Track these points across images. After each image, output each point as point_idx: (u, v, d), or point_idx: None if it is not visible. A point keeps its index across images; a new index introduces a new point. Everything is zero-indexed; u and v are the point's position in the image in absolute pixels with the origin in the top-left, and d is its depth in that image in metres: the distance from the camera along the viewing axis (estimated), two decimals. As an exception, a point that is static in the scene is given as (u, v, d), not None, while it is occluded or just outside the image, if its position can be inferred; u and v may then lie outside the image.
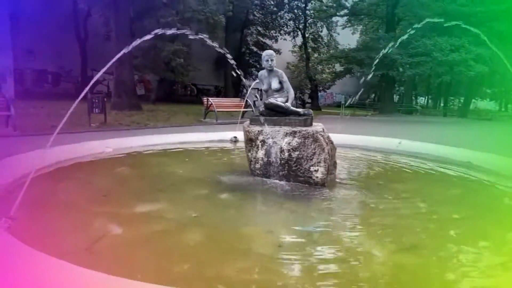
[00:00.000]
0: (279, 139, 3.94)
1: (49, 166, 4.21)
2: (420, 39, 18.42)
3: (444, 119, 22.62)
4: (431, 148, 5.82)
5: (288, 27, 34.96)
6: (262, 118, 4.03)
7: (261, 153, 4.04)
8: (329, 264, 2.30)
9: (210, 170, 4.65)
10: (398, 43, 4.50)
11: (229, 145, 6.76)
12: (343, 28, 33.91)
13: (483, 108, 42.76)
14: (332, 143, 4.15)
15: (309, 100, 37.25)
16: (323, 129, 3.97)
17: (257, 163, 4.09)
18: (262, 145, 4.03)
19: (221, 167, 4.80)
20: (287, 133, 3.92)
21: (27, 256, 1.93)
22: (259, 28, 36.23)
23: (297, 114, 4.12)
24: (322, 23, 34.57)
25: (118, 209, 3.18)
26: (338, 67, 31.40)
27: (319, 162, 3.80)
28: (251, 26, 35.33)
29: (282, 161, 3.94)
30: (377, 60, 5.09)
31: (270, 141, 3.98)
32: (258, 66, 36.75)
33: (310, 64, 33.92)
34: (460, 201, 3.72)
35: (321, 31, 35.64)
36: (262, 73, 4.54)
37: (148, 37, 3.26)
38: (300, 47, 36.12)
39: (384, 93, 26.18)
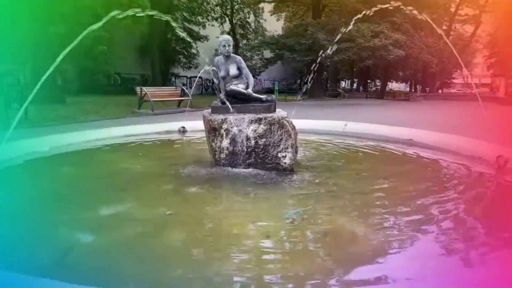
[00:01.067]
0: (244, 127, 3.84)
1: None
2: (345, 25, 19.41)
3: (368, 101, 24.30)
4: (375, 129, 6.19)
5: (215, 12, 34.37)
6: (230, 106, 3.88)
7: (226, 142, 3.91)
8: (321, 246, 2.32)
9: (168, 163, 4.39)
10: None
11: (178, 136, 6.47)
12: (271, 15, 34.34)
13: (396, 89, 47.01)
14: (294, 128, 4.16)
15: (239, 87, 37.20)
16: (287, 115, 3.96)
17: (222, 152, 3.95)
18: (227, 134, 3.89)
19: (179, 160, 4.56)
20: (252, 120, 3.83)
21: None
22: (185, 14, 35.05)
23: (260, 100, 4.05)
24: (249, 9, 34.61)
25: (79, 214, 2.84)
26: (267, 54, 31.86)
27: (287, 148, 3.80)
28: (176, 11, 34.00)
29: (249, 149, 3.86)
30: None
31: (235, 129, 3.86)
32: (185, 53, 35.66)
33: (239, 51, 33.88)
34: (415, 176, 4.01)
35: (249, 18, 35.73)
36: (219, 59, 4.37)
37: (100, 23, 2.91)
38: (228, 33, 35.81)
39: (314, 78, 27.23)
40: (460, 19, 37.64)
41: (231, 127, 3.87)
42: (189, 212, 2.96)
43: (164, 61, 32.58)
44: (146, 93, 12.34)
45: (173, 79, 36.68)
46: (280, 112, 3.99)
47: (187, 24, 35.84)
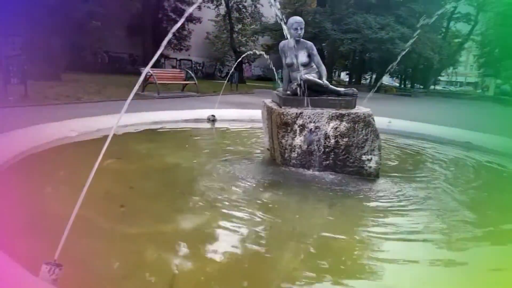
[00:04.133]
0: (323, 123, 3.34)
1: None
2: (352, 16, 18.89)
3: (369, 95, 23.67)
4: (422, 128, 5.79)
5: (211, -6, 32.99)
6: (306, 99, 3.35)
7: (299, 140, 3.39)
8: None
9: (219, 158, 3.85)
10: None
11: (209, 125, 5.90)
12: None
13: (387, 84, 47.07)
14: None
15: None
16: (372, 111, 3.47)
17: (294, 151, 3.43)
18: (301, 131, 3.37)
19: (231, 155, 4.02)
20: (332, 116, 3.33)
21: None
22: (179, -7, 33.53)
23: (337, 93, 3.55)
24: (245, -9, 33.36)
25: (154, 227, 2.31)
26: (263, 40, 31.04)
27: (373, 150, 3.32)
28: (169, -10, 32.48)
29: (327, 149, 3.36)
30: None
31: (311, 125, 3.35)
32: (177, 34, 34.28)
33: (234, 35, 32.82)
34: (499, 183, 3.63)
35: (245, 1, 34.48)
36: (285, 43, 3.83)
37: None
38: (224, 16, 34.57)
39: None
40: (454, 17, 37.68)
41: (307, 123, 3.35)
42: (282, 226, 2.47)
43: (153, 41, 31.22)
44: (151, 75, 11.55)
45: (162, 60, 35.29)
46: (362, 108, 3.50)
47: (179, 5, 34.34)
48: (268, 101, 3.96)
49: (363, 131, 3.31)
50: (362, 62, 32.05)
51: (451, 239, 2.34)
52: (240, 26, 34.53)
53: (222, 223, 2.41)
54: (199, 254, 2.03)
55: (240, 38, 33.86)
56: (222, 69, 38.79)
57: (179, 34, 34.04)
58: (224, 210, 2.61)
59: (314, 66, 3.74)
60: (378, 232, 2.39)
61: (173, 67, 35.45)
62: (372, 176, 3.34)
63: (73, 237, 2.02)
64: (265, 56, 5.20)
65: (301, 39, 3.73)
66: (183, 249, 2.06)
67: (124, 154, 3.88)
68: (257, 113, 6.56)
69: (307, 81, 3.46)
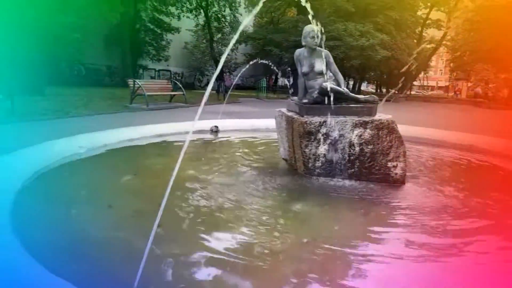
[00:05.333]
0: (347, 131, 3.32)
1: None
2: (334, 24, 19.24)
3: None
4: (424, 133, 5.88)
5: (191, 4, 32.94)
6: (332, 107, 3.33)
7: (323, 149, 3.36)
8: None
9: (238, 170, 3.78)
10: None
11: (214, 136, 5.80)
12: (249, 10, 33.36)
13: (364, 90, 48.09)
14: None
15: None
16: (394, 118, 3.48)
17: (318, 160, 3.39)
18: (325, 139, 3.34)
19: (247, 166, 3.95)
20: (356, 124, 3.32)
21: None
22: (155, 3, 33.28)
23: (357, 100, 3.55)
24: (224, 2, 33.51)
25: (202, 246, 2.20)
26: (244, 49, 31.19)
27: (398, 156, 3.32)
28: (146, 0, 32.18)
29: (352, 157, 3.34)
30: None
31: (335, 134, 3.33)
32: (155, 44, 33.95)
33: (214, 45, 32.85)
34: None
35: (224, 11, 34.62)
36: (301, 52, 3.82)
37: None
38: (203, 26, 34.53)
39: (296, 76, 26.84)
40: (426, 23, 38.98)
41: (331, 132, 3.33)
42: (323, 238, 2.39)
43: (131, 52, 30.80)
44: (139, 87, 11.33)
45: (140, 71, 34.78)
46: (384, 115, 3.50)
47: (156, 15, 34.04)
48: (285, 110, 3.92)
49: (388, 138, 3.31)
50: (341, 69, 32.70)
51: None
52: (219, 35, 34.62)
53: (263, 239, 2.32)
54: (253, 274, 1.95)
55: (220, 47, 33.90)
56: (202, 79, 38.66)
57: (157, 45, 33.78)
58: (259, 224, 2.54)
59: (331, 74, 3.73)
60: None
61: (152, 77, 35.01)
62: (399, 183, 3.33)
63: (120, 261, 1.93)
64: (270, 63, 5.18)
65: (317, 48, 3.73)
66: (237, 266, 1.97)
67: (139, 170, 3.74)
68: (258, 123, 6.55)
69: (331, 90, 3.43)
